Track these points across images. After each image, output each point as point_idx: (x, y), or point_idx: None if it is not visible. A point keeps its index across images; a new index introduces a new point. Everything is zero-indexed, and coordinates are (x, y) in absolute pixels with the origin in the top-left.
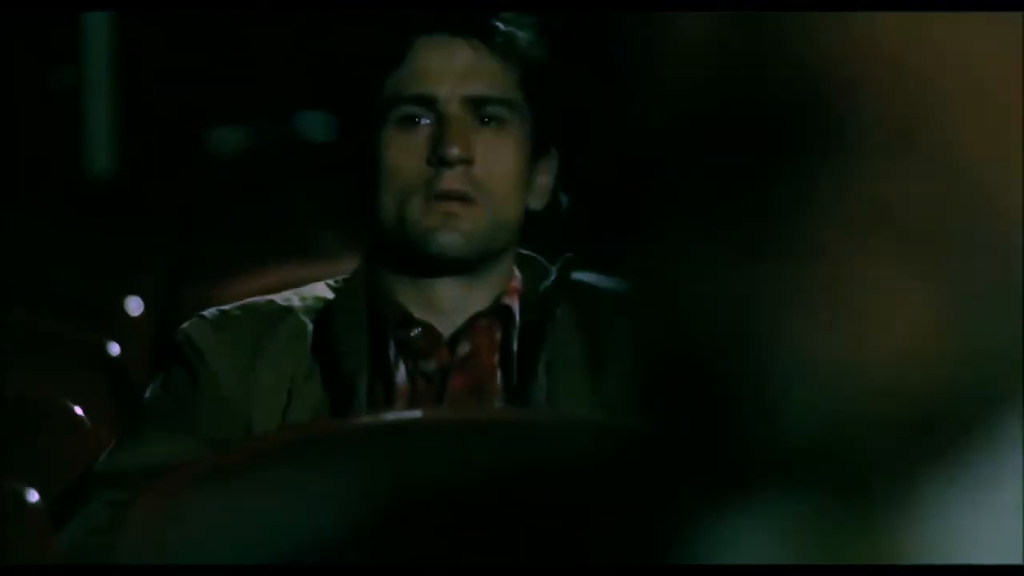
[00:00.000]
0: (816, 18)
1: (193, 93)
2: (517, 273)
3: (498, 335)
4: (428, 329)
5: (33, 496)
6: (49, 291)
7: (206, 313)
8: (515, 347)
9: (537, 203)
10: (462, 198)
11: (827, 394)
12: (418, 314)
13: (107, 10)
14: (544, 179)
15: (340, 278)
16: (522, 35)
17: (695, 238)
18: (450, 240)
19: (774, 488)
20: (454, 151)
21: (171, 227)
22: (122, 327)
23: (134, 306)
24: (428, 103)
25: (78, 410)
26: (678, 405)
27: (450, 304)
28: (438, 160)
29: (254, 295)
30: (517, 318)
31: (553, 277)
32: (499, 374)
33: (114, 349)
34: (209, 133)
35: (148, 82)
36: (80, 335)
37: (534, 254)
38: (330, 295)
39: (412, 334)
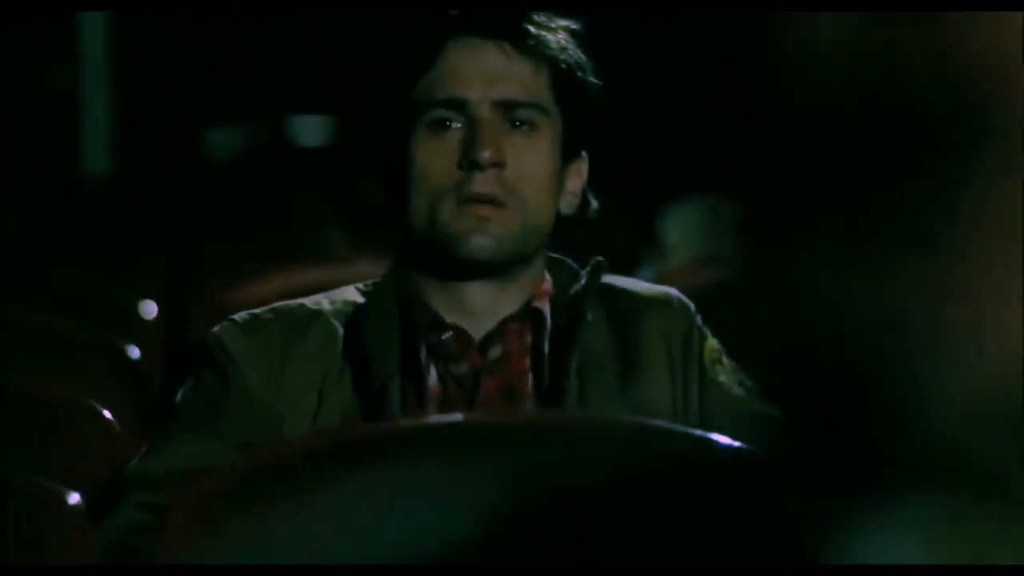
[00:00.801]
0: (960, 18)
1: (192, 94)
2: (547, 276)
3: (529, 338)
4: (459, 332)
5: (73, 497)
6: (51, 291)
7: (236, 317)
8: (546, 350)
9: (568, 207)
10: (493, 202)
11: (967, 393)
12: (449, 317)
13: (110, 10)
14: (575, 183)
15: (369, 282)
16: (553, 38)
17: (837, 239)
18: (481, 243)
19: (916, 488)
20: (485, 155)
21: (169, 227)
22: (128, 327)
23: (149, 309)
24: (459, 106)
25: (106, 413)
26: (816, 407)
27: (481, 307)
28: (469, 164)
29: (253, 297)
30: (548, 321)
31: (584, 280)
32: (530, 377)
33: (134, 352)
34: (207, 134)
35: (147, 83)
36: (99, 337)
37: (563, 257)
38: (360, 299)
39: (443, 337)
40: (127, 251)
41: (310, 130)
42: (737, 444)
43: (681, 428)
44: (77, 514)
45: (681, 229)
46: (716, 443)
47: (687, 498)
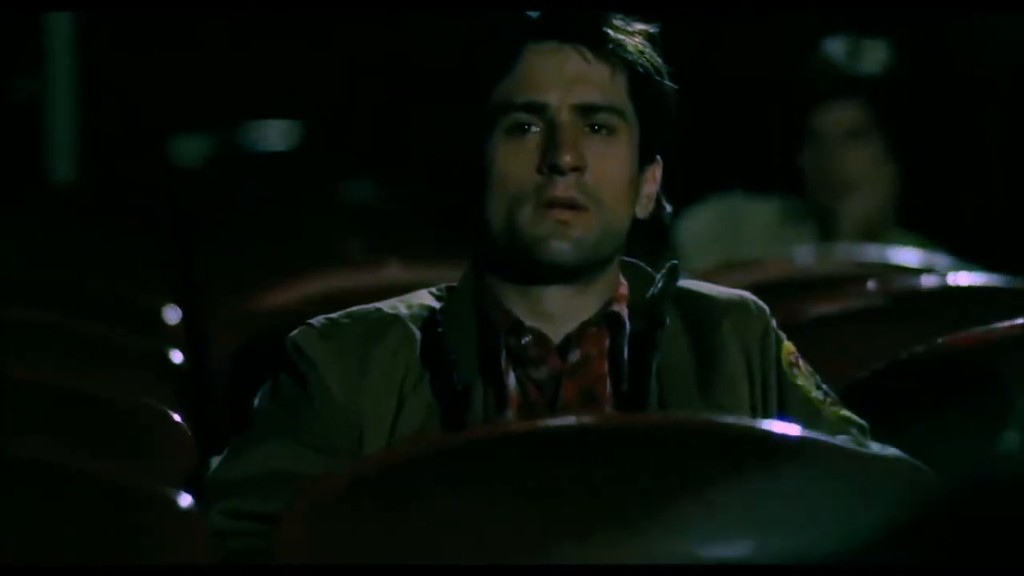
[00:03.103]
0: None
1: (157, 103)
2: (623, 280)
3: (607, 342)
4: (539, 336)
5: (185, 500)
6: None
7: (314, 322)
8: (626, 354)
9: (643, 211)
10: (573, 206)
11: None
12: (527, 321)
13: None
14: (650, 187)
15: (443, 286)
16: (630, 42)
17: None
18: (562, 248)
19: None
20: (566, 159)
21: (135, 235)
22: (154, 332)
23: (172, 314)
24: (538, 111)
25: (176, 417)
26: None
27: (559, 311)
28: (550, 168)
29: (272, 304)
30: (627, 325)
31: (660, 284)
32: (608, 381)
33: (176, 356)
34: (174, 141)
35: (112, 91)
36: (141, 342)
37: (638, 261)
38: (435, 303)
39: (523, 341)
40: (148, 256)
41: (268, 137)
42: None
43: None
44: (191, 517)
45: (697, 233)
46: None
47: None
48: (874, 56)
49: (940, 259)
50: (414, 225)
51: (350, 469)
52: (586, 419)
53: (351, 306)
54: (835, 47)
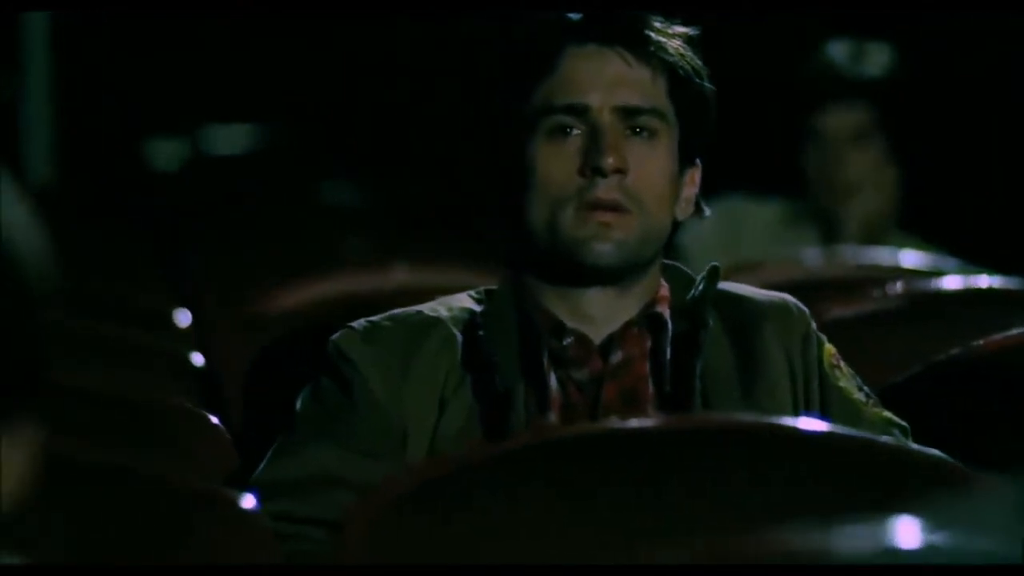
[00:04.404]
0: None
1: (133, 105)
2: (663, 282)
3: (648, 343)
4: (580, 338)
5: (248, 502)
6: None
7: (355, 324)
8: (668, 355)
9: (682, 214)
10: (616, 208)
11: None
12: (569, 323)
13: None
14: (690, 190)
15: (481, 289)
16: (672, 44)
17: None
18: (604, 250)
19: None
20: (609, 161)
21: (131, 237)
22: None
23: (183, 317)
24: (580, 113)
25: (213, 418)
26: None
27: (600, 313)
28: (592, 170)
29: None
30: (670, 327)
31: (701, 286)
32: (650, 383)
33: (197, 359)
34: (150, 144)
35: (88, 94)
36: (162, 343)
37: (677, 263)
38: (475, 306)
39: (564, 343)
40: (147, 258)
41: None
42: None
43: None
44: (253, 518)
45: (700, 236)
46: None
47: None
48: (877, 59)
49: (946, 261)
50: (412, 227)
51: (416, 472)
52: (663, 421)
53: (358, 309)
54: (838, 50)
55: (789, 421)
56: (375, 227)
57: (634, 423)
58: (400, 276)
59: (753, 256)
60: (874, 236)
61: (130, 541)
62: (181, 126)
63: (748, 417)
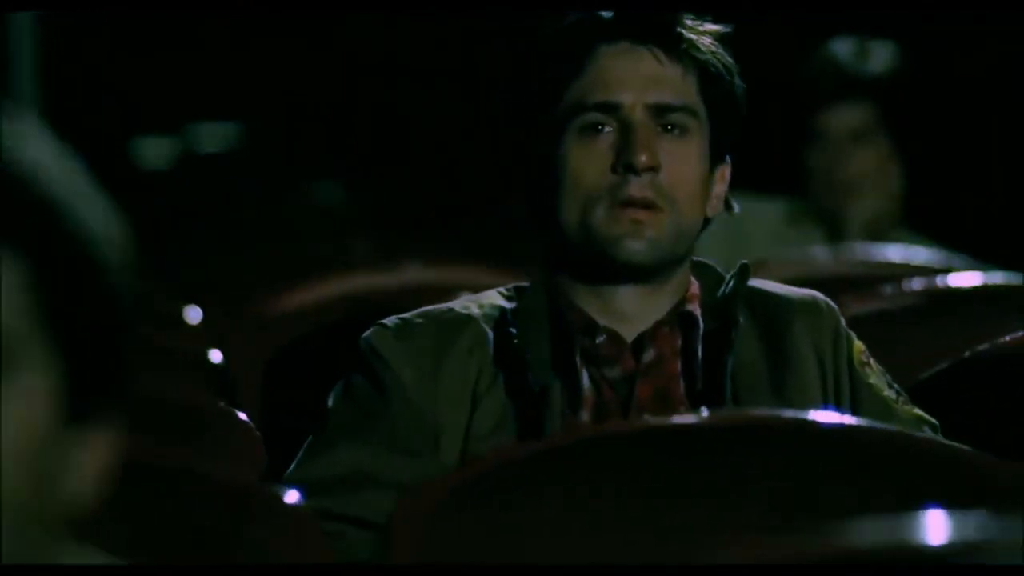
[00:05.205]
0: None
1: (120, 104)
2: (694, 280)
3: (679, 342)
4: (613, 336)
5: (292, 497)
6: None
7: (387, 322)
8: (699, 354)
9: (712, 211)
10: (648, 206)
11: None
12: (601, 321)
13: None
14: (720, 187)
15: (511, 286)
16: (703, 42)
17: None
18: (636, 247)
19: None
20: (642, 158)
21: (134, 236)
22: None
23: (193, 314)
24: (612, 110)
25: (242, 415)
26: None
27: (632, 311)
28: (625, 167)
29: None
30: (701, 325)
31: (731, 284)
32: (681, 381)
33: (215, 356)
34: (138, 141)
35: (74, 93)
36: (179, 342)
37: (707, 261)
38: (506, 303)
39: (597, 341)
40: (153, 256)
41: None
42: None
43: None
44: (300, 515)
45: (703, 235)
46: None
47: None
48: (880, 57)
49: (953, 259)
50: (406, 227)
51: (466, 469)
52: (722, 416)
53: (372, 308)
54: (841, 48)
55: (832, 417)
56: (367, 226)
57: (691, 418)
58: (413, 274)
59: (756, 255)
60: (878, 234)
61: (183, 539)
62: (170, 124)
63: (798, 413)
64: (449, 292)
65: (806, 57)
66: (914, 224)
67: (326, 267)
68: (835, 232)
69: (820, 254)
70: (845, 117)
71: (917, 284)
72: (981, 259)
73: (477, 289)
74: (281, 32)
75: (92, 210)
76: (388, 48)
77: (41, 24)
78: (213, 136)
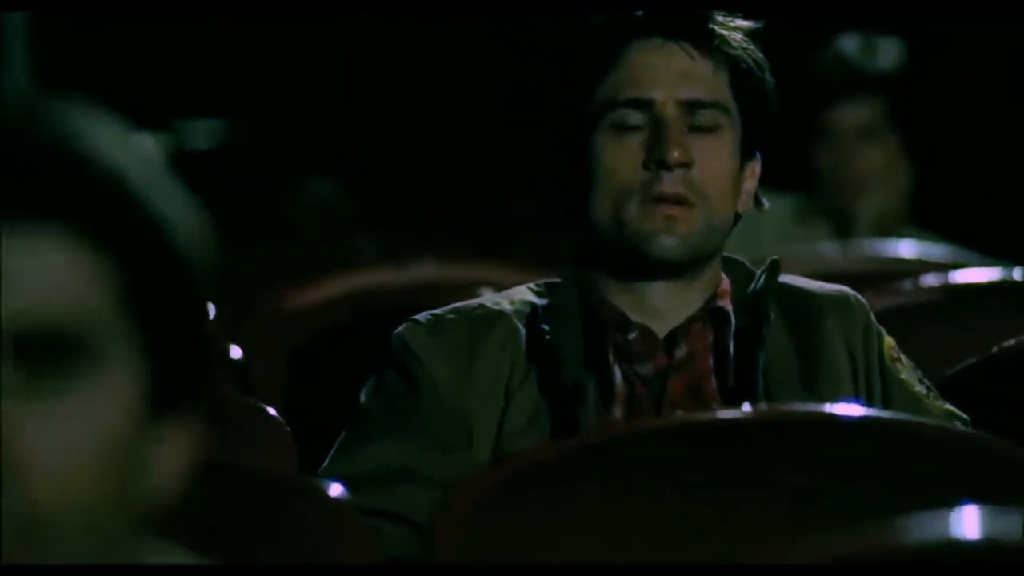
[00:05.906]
0: None
1: (111, 99)
2: (724, 276)
3: (711, 338)
4: (645, 332)
5: (335, 490)
6: None
7: (419, 318)
8: (731, 350)
9: (743, 207)
10: (681, 202)
11: None
12: (633, 317)
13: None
14: (750, 183)
15: (541, 282)
16: (734, 38)
17: None
18: (669, 243)
19: None
20: (675, 155)
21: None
22: None
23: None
24: (644, 107)
25: (271, 411)
26: None
27: (664, 307)
28: (657, 163)
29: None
30: (732, 321)
31: (762, 280)
32: (713, 377)
33: (235, 352)
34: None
35: (65, 87)
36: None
37: (737, 257)
38: (536, 299)
39: (629, 337)
40: None
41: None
42: None
43: None
44: (342, 508)
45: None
46: None
47: None
48: (887, 54)
49: (964, 255)
50: (400, 225)
51: (502, 467)
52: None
53: (384, 305)
54: (848, 45)
55: (865, 411)
56: (368, 225)
57: (724, 414)
58: (425, 271)
59: (764, 252)
60: (886, 231)
61: (235, 535)
62: (159, 121)
63: (830, 408)
64: (464, 289)
65: (814, 54)
66: (921, 220)
67: (330, 266)
68: (843, 229)
69: (829, 251)
70: (853, 114)
71: (933, 280)
72: (988, 255)
73: (494, 286)
74: (281, 31)
75: (175, 202)
76: (388, 48)
77: (33, 22)
78: (204, 133)
